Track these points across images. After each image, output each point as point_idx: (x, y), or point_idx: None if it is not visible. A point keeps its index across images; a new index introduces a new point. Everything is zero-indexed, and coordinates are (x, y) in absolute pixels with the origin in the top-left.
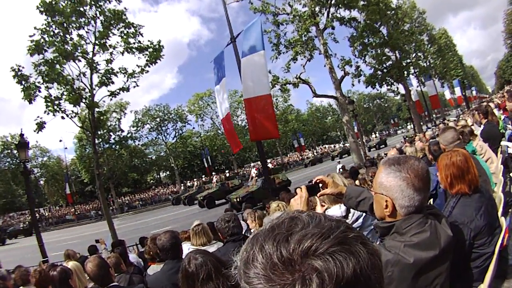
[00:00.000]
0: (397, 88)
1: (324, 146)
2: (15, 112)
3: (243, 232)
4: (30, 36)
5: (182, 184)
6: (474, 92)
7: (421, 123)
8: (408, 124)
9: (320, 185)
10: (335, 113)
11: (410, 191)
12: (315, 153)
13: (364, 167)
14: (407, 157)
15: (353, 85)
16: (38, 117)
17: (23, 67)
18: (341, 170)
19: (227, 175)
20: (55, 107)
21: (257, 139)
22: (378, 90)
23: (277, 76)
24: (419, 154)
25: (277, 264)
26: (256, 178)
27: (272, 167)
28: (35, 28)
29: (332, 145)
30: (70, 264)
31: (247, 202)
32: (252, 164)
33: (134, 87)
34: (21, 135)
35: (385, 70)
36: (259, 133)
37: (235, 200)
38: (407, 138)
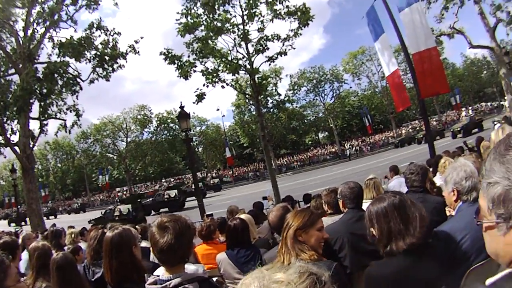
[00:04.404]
0: None
1: (480, 104)
2: (164, 90)
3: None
4: (177, 20)
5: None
6: None
7: None
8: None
9: None
10: (490, 67)
11: None
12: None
13: None
14: None
15: (507, 34)
16: (197, 89)
17: (172, 50)
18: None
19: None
20: (214, 78)
21: (427, 95)
22: None
23: (432, 28)
24: None
25: None
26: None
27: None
28: (177, 13)
29: (489, 103)
30: (243, 216)
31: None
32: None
33: (289, 49)
34: (181, 107)
35: None
36: (429, 89)
37: None
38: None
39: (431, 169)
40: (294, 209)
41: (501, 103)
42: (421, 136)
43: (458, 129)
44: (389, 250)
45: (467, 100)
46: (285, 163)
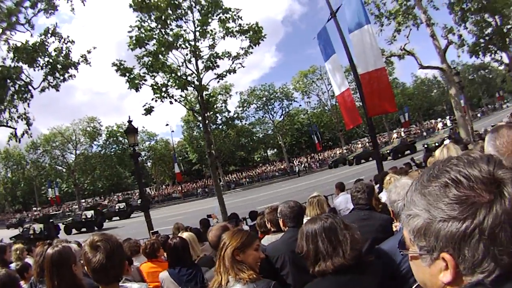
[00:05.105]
0: (501, 57)
1: (430, 121)
2: (114, 103)
3: None
4: (129, 32)
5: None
6: None
7: None
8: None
9: None
10: (440, 86)
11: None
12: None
13: (473, 142)
14: (500, 125)
15: (458, 56)
16: (146, 103)
17: (124, 61)
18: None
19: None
20: (163, 93)
21: (374, 114)
22: (482, 60)
23: (384, 51)
24: None
25: (483, 182)
26: None
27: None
28: (130, 26)
29: (438, 120)
30: (185, 235)
31: None
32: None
33: (239, 68)
34: (130, 121)
35: (487, 38)
36: (377, 108)
37: None
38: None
39: (377, 186)
40: (239, 227)
41: (442, 121)
42: (352, 158)
43: (388, 151)
44: (319, 269)
45: (417, 117)
46: (234, 179)
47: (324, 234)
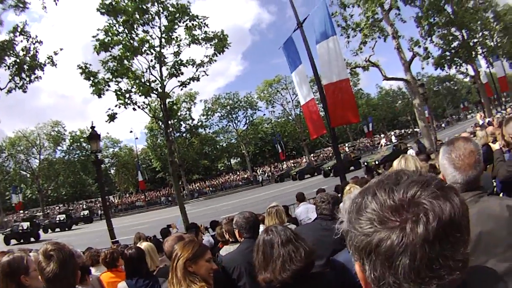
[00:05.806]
0: (466, 69)
1: (395, 131)
2: (79, 107)
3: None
4: (94, 36)
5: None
6: None
7: (491, 107)
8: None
9: None
10: (405, 97)
11: (451, 169)
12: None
13: (436, 152)
14: (456, 138)
15: (422, 68)
16: (109, 109)
17: (90, 64)
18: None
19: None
20: (126, 99)
21: (337, 124)
22: (447, 72)
23: (349, 62)
24: (490, 139)
25: (390, 207)
26: None
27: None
28: (98, 29)
29: (403, 130)
30: (144, 245)
31: None
32: None
33: (203, 76)
34: (92, 127)
35: (453, 51)
36: (339, 118)
37: None
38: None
39: (339, 195)
40: (198, 237)
41: (381, 140)
42: (295, 173)
43: (329, 168)
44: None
45: (381, 127)
46: (197, 188)
47: (262, 248)
